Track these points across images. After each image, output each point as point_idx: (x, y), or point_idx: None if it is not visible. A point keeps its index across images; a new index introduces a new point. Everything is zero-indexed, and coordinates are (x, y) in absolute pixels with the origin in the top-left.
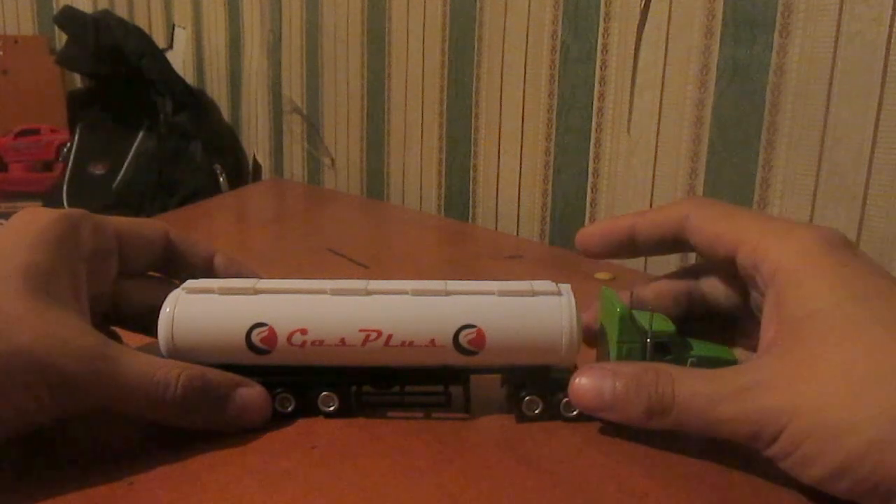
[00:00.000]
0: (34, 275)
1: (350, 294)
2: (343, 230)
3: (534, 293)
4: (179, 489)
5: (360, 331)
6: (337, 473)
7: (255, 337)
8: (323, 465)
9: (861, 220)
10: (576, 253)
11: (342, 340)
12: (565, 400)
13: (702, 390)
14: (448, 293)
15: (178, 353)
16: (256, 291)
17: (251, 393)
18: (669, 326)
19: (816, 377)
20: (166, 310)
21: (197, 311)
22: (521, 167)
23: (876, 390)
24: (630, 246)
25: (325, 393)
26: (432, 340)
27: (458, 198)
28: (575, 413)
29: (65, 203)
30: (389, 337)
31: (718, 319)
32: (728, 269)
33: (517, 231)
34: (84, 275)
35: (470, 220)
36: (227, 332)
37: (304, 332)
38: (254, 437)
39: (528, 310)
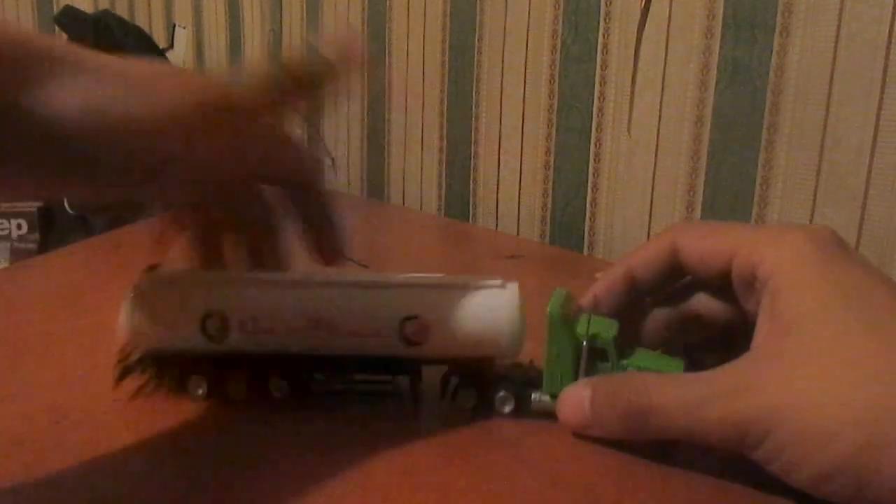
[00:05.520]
0: None
1: (300, 286)
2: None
3: (478, 287)
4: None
5: (309, 320)
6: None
7: (210, 325)
8: (324, 462)
9: (861, 220)
10: (576, 252)
11: (291, 329)
12: (501, 394)
13: (684, 394)
14: (394, 285)
15: (138, 338)
16: (211, 281)
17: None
18: (609, 332)
19: (801, 380)
20: (130, 296)
21: (155, 299)
22: (521, 167)
23: (860, 394)
24: (634, 291)
25: (276, 379)
26: (378, 330)
27: (458, 198)
28: (509, 410)
29: (65, 202)
30: (336, 327)
31: (714, 338)
32: (721, 283)
33: (517, 231)
34: None
35: (470, 220)
36: (182, 320)
37: (255, 320)
38: (251, 434)
39: (471, 302)
